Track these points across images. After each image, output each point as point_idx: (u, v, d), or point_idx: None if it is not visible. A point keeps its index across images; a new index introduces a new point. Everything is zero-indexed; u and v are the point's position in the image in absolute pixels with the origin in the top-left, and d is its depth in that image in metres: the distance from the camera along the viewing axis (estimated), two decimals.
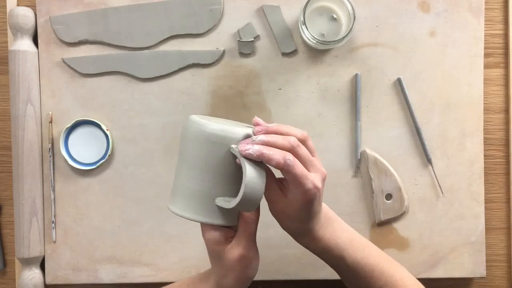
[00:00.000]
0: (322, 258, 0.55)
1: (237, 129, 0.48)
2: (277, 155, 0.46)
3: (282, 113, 0.70)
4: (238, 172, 0.48)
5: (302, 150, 0.48)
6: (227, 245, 0.50)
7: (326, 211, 0.54)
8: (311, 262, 0.70)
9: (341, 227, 0.55)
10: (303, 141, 0.49)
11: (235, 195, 0.47)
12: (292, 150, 0.47)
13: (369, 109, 0.70)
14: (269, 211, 0.51)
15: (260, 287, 0.72)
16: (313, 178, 0.48)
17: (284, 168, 0.46)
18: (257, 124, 0.50)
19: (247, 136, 0.48)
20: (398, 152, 0.70)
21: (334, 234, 0.53)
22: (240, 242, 0.50)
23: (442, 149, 0.70)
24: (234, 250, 0.50)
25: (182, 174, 0.50)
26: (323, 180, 0.50)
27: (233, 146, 0.48)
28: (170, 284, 0.59)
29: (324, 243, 0.53)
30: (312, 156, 0.50)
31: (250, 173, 0.45)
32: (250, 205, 0.46)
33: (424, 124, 0.70)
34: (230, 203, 0.47)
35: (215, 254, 0.51)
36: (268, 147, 0.46)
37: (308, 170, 0.48)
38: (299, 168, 0.47)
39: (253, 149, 0.46)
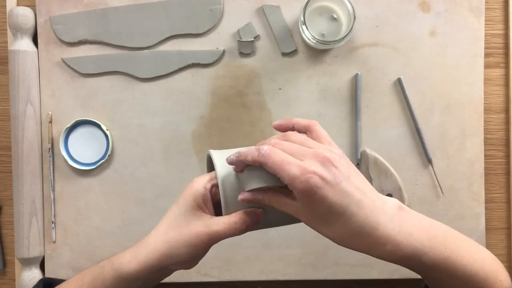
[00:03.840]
0: (396, 263, 0.44)
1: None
2: (252, 150, 0.41)
3: (282, 113, 0.70)
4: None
5: (285, 144, 0.42)
6: (202, 211, 0.45)
7: (390, 207, 0.42)
8: (311, 262, 0.70)
9: (414, 222, 0.43)
10: (307, 129, 0.45)
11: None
12: (276, 146, 0.41)
13: (369, 109, 0.70)
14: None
15: (260, 287, 0.72)
16: (300, 163, 0.39)
17: (260, 159, 0.40)
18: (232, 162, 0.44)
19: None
20: (398, 152, 0.70)
21: (409, 236, 0.42)
22: (214, 225, 0.44)
23: (442, 149, 0.70)
24: (201, 223, 0.44)
25: None
26: (327, 162, 0.40)
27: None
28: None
29: (398, 251, 0.42)
30: (320, 142, 0.43)
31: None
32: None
33: (424, 124, 0.70)
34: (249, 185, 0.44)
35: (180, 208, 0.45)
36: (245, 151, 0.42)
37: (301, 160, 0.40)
38: (277, 156, 0.40)
39: (232, 157, 0.43)
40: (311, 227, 0.43)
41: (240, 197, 0.43)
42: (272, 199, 0.43)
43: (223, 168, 0.45)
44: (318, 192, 0.39)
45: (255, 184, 0.43)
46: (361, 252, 0.43)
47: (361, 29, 0.69)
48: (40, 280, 0.55)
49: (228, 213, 0.44)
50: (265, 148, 0.40)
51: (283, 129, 0.47)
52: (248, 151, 0.42)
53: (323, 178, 0.39)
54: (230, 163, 0.43)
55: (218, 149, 0.48)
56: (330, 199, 0.39)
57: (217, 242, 0.44)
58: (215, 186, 0.45)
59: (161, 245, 0.44)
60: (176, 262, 0.44)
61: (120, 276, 0.46)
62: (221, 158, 0.46)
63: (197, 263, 0.47)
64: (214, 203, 0.46)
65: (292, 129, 0.46)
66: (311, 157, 0.40)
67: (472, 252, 0.46)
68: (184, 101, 0.70)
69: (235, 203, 0.44)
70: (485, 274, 0.46)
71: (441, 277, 0.45)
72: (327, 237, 0.43)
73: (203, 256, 0.46)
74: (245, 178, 0.43)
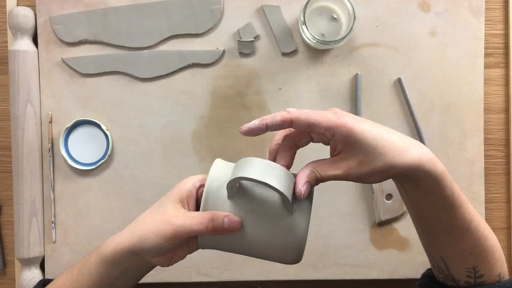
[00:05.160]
0: (413, 190, 0.46)
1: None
2: (279, 113, 0.43)
3: None
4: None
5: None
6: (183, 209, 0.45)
7: (411, 142, 0.45)
8: (311, 262, 0.70)
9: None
10: (287, 124, 0.45)
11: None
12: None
13: (369, 109, 0.70)
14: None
15: (260, 287, 0.72)
16: (326, 112, 0.43)
17: (292, 115, 0.42)
18: (245, 132, 0.44)
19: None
20: None
21: (426, 153, 0.45)
22: (183, 218, 0.44)
23: (442, 149, 0.70)
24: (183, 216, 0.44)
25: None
26: (341, 111, 0.44)
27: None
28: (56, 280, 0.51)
29: (423, 166, 0.44)
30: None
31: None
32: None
33: (424, 124, 0.70)
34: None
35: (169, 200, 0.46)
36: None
37: None
38: (307, 111, 0.43)
39: (253, 122, 0.43)
40: (362, 174, 0.43)
41: (301, 187, 0.42)
42: (317, 170, 0.43)
43: (217, 173, 0.45)
44: (356, 124, 0.42)
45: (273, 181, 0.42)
46: (404, 181, 0.45)
47: (361, 29, 0.69)
48: (40, 281, 0.55)
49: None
50: (292, 108, 0.43)
51: (255, 133, 0.44)
52: (274, 115, 0.42)
53: (351, 116, 0.43)
54: (251, 129, 0.43)
55: (221, 158, 0.48)
56: (367, 126, 0.43)
57: (182, 236, 0.43)
58: (203, 186, 0.46)
59: (136, 229, 0.45)
60: (147, 249, 0.44)
61: (101, 259, 0.46)
62: (222, 166, 0.46)
63: (171, 261, 0.46)
64: (198, 204, 0.46)
65: (266, 130, 0.44)
66: (328, 112, 0.43)
67: (477, 215, 0.49)
68: (184, 101, 0.70)
69: (214, 206, 0.44)
70: (493, 242, 0.48)
71: (457, 220, 0.46)
72: (377, 175, 0.43)
73: (175, 255, 0.46)
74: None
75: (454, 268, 0.49)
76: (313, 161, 0.45)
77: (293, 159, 0.46)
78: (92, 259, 0.47)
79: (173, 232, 0.43)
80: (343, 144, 0.43)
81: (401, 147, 0.43)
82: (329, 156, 0.45)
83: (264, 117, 0.43)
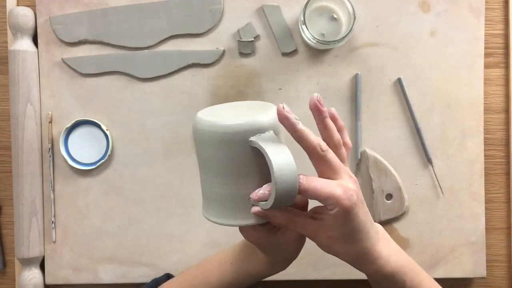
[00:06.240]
0: (379, 286, 0.51)
1: (256, 119, 0.43)
2: (313, 136, 0.42)
3: None
4: (266, 165, 0.42)
5: (329, 154, 0.43)
6: (274, 234, 0.47)
7: (381, 229, 0.49)
8: (311, 262, 0.70)
9: (398, 248, 0.50)
10: (335, 147, 0.45)
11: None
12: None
13: (369, 109, 0.70)
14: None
15: (260, 287, 0.72)
16: (341, 183, 0.43)
17: (318, 153, 0.42)
18: (282, 115, 0.42)
19: (271, 125, 0.44)
20: (398, 152, 0.70)
21: (396, 256, 0.48)
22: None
23: (442, 149, 0.70)
24: (288, 234, 0.47)
25: (208, 179, 0.46)
26: (356, 183, 0.44)
27: (253, 139, 0.43)
28: (204, 261, 0.57)
29: (388, 267, 0.47)
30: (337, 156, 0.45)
31: (278, 165, 0.40)
32: (287, 198, 0.41)
33: (424, 124, 0.70)
34: (266, 203, 0.42)
35: (265, 247, 0.49)
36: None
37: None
38: (334, 157, 0.43)
39: (292, 118, 0.42)
40: (326, 246, 0.46)
41: (253, 210, 0.44)
42: (290, 219, 0.44)
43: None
44: (354, 209, 0.42)
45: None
46: (358, 267, 0.48)
47: (361, 29, 0.69)
48: (165, 274, 0.62)
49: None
50: (323, 145, 0.42)
51: (320, 115, 0.45)
52: (309, 135, 0.42)
53: (358, 197, 0.43)
54: (260, 198, 0.43)
55: None
56: (360, 216, 0.43)
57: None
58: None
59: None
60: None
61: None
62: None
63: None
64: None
65: (324, 119, 0.45)
66: (347, 175, 0.44)
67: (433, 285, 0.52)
68: (184, 101, 0.70)
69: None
70: None
71: None
72: (338, 255, 0.47)
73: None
74: (284, 166, 0.41)
75: None
76: (289, 212, 0.45)
77: None
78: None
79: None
80: (332, 217, 0.43)
81: (381, 243, 0.47)
82: None
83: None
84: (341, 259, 0.47)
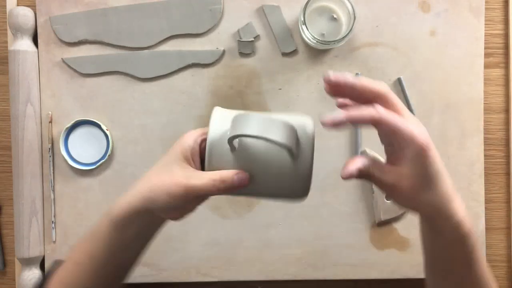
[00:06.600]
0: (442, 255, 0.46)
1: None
2: (368, 109, 0.40)
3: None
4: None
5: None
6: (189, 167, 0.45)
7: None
8: (311, 262, 0.70)
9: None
10: (379, 98, 0.42)
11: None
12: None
13: None
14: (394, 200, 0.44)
15: (260, 287, 0.72)
16: (411, 122, 0.41)
17: (381, 118, 0.39)
18: (329, 81, 0.41)
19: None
20: None
21: (469, 217, 0.44)
22: (193, 178, 0.43)
23: (442, 149, 0.70)
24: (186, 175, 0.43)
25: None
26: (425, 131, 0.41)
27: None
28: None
29: (465, 226, 0.43)
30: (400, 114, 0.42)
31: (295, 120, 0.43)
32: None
33: (424, 124, 0.69)
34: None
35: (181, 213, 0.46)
36: (352, 108, 0.40)
37: None
38: (396, 117, 0.40)
39: (339, 116, 0.40)
40: (408, 197, 0.42)
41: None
42: (373, 166, 0.42)
43: (218, 125, 0.44)
44: (433, 149, 0.40)
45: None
46: (436, 224, 0.44)
47: (361, 29, 0.69)
48: (54, 261, 0.55)
49: (209, 170, 0.44)
50: (383, 110, 0.40)
51: (339, 91, 0.42)
52: (363, 111, 0.40)
53: (431, 143, 0.41)
54: (335, 123, 0.40)
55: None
56: (438, 158, 0.41)
57: (193, 196, 0.43)
58: (205, 140, 0.45)
59: (144, 189, 0.45)
60: (158, 207, 0.44)
61: (112, 222, 0.46)
62: (222, 116, 0.45)
63: (182, 215, 0.46)
64: (202, 159, 0.46)
65: (351, 93, 0.42)
66: (411, 117, 0.42)
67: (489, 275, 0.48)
68: (184, 101, 0.70)
69: (219, 161, 0.44)
70: None
71: (472, 271, 0.46)
72: (419, 208, 0.43)
73: (186, 209, 0.46)
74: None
75: None
76: (371, 158, 0.43)
77: None
78: (102, 226, 0.47)
79: (183, 193, 0.43)
80: (410, 160, 0.41)
81: (458, 201, 0.43)
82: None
83: (349, 111, 0.40)
84: (422, 214, 0.44)
